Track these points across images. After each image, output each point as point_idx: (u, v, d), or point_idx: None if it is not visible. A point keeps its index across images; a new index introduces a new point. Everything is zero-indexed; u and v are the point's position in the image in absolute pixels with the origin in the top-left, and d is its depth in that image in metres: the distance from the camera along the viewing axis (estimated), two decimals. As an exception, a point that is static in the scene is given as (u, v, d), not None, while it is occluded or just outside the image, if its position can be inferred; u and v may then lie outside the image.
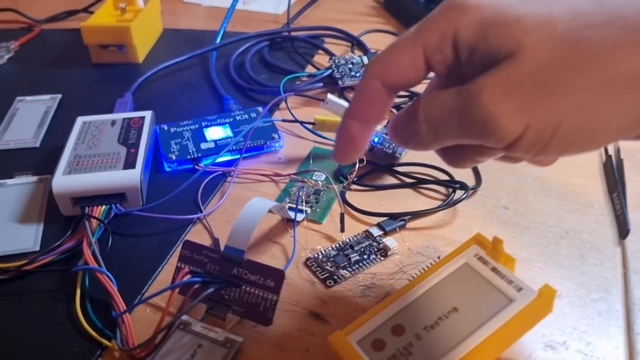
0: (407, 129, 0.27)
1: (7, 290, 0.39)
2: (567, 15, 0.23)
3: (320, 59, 0.69)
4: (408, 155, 0.51)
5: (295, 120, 0.52)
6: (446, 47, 0.25)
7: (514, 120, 0.23)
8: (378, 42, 0.71)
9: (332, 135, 0.52)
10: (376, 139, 0.50)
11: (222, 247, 0.36)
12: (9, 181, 0.48)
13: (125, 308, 0.35)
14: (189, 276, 0.34)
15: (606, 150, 0.53)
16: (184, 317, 0.36)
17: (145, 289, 0.38)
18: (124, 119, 0.51)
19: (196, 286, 0.33)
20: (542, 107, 0.23)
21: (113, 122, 0.50)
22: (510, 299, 0.33)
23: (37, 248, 0.42)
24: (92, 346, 0.35)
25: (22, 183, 0.48)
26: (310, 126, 0.51)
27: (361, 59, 0.62)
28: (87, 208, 0.42)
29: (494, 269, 0.34)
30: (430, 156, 0.51)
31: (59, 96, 0.60)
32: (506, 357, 0.34)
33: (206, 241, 0.43)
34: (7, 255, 0.41)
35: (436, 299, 0.34)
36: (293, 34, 0.72)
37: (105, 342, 0.35)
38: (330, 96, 0.50)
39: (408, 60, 0.26)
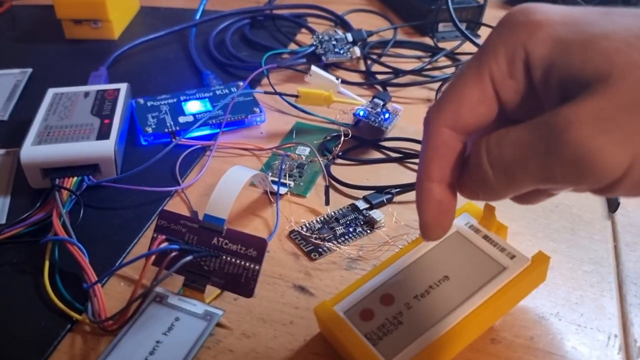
0: (471, 179, 0.23)
1: (-29, 264, 0.36)
2: None
3: (304, 37, 0.67)
4: (394, 129, 0.50)
5: (277, 93, 0.50)
6: (517, 71, 0.22)
7: (616, 156, 0.19)
8: (362, 22, 0.70)
9: (315, 110, 0.50)
10: (361, 113, 0.48)
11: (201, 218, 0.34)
12: (-25, 154, 0.45)
13: (96, 279, 0.33)
14: (165, 244, 0.32)
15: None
16: (161, 290, 0.34)
17: (119, 262, 0.36)
18: (98, 90, 0.48)
19: (172, 255, 0.31)
20: None
21: (86, 94, 0.48)
22: (503, 266, 0.31)
23: (3, 221, 0.39)
24: (61, 320, 0.33)
25: (-11, 156, 0.45)
26: (293, 100, 0.49)
27: (345, 35, 0.60)
28: (57, 180, 0.40)
29: (485, 237, 0.33)
30: (415, 132, 0.50)
31: (30, 70, 0.58)
32: (499, 327, 0.33)
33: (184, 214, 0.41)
34: (-29, 228, 0.38)
35: (426, 268, 0.32)
36: (275, 12, 0.70)
37: (76, 315, 0.32)
38: (314, 68, 0.49)
39: (477, 94, 0.23)
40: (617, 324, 0.34)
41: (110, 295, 0.34)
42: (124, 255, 0.37)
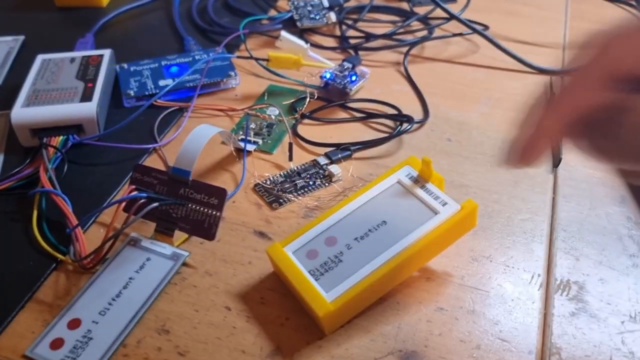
0: (621, 140, 0.24)
1: (-32, 213, 0.41)
2: None
3: (284, 4, 0.69)
4: (362, 91, 0.53)
5: (250, 57, 0.53)
6: None
7: None
8: (341, -12, 0.72)
9: (286, 72, 0.54)
10: (328, 75, 0.51)
11: (169, 169, 0.38)
12: (-29, 115, 0.49)
13: (77, 223, 0.37)
14: (135, 193, 0.36)
15: (551, 87, 0.55)
16: (134, 234, 0.38)
17: (95, 210, 0.41)
18: (83, 56, 0.52)
19: (141, 202, 0.35)
20: None
21: (72, 60, 0.51)
22: (435, 212, 0.35)
23: (-3, 176, 0.43)
24: (47, 260, 0.37)
25: (-16, 117, 0.49)
26: (265, 63, 0.53)
27: (321, 1, 0.63)
28: (45, 138, 0.44)
29: (423, 187, 0.37)
30: (381, 94, 0.53)
31: (22, 37, 0.61)
32: (435, 267, 0.37)
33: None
34: (-32, 181, 0.42)
35: (367, 214, 0.36)
36: (257, -22, 0.72)
37: (60, 256, 0.37)
38: (284, 33, 0.52)
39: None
40: (542, 265, 0.38)
41: (91, 240, 0.38)
42: (104, 205, 0.41)
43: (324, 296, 0.32)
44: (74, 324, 0.33)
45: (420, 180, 0.37)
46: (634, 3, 0.70)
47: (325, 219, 0.36)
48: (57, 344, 0.32)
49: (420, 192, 0.37)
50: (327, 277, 0.33)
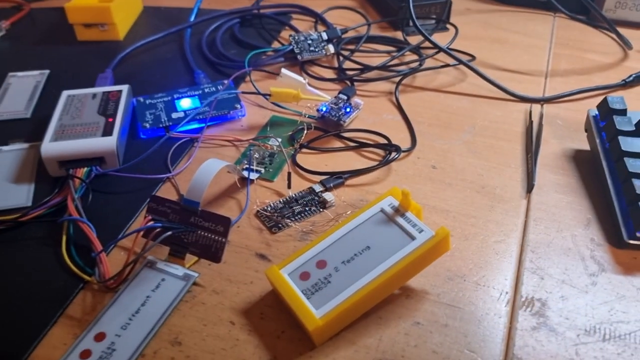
0: None
1: (5, 239, 0.46)
2: None
3: (287, 34, 0.75)
4: (356, 120, 0.58)
5: (254, 92, 0.59)
6: None
7: None
8: (341, 18, 0.78)
9: (287, 105, 0.59)
10: (324, 109, 0.57)
11: (181, 200, 0.43)
12: (4, 148, 0.55)
13: (102, 249, 0.43)
14: (151, 222, 0.41)
15: (530, 115, 0.60)
16: (151, 257, 0.43)
17: (120, 236, 0.46)
18: (104, 92, 0.58)
19: (157, 230, 0.41)
20: None
21: (94, 95, 0.57)
22: (412, 237, 0.40)
23: (30, 204, 0.49)
24: (76, 281, 0.42)
25: (16, 149, 0.55)
26: (268, 97, 0.58)
27: (320, 35, 0.68)
28: (71, 170, 0.49)
29: (402, 215, 0.42)
30: (373, 124, 0.58)
31: (47, 72, 0.67)
32: (414, 285, 0.42)
33: (174, 197, 0.50)
34: (4, 210, 0.48)
35: (354, 239, 0.41)
36: (262, 11, 0.78)
37: (86, 277, 0.42)
38: (284, 70, 0.57)
39: None
40: (510, 283, 0.43)
41: (113, 262, 0.44)
42: (124, 231, 0.47)
43: (314, 313, 0.37)
44: (100, 337, 0.39)
45: (400, 210, 0.42)
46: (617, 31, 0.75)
47: (317, 244, 0.41)
48: (85, 354, 0.38)
49: (400, 220, 0.42)
50: (317, 295, 0.38)
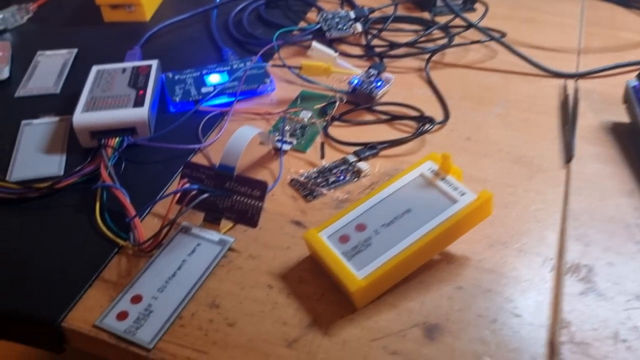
0: None
1: (40, 206, 0.46)
2: None
3: (313, 15, 0.74)
4: (386, 95, 0.58)
5: (284, 66, 0.58)
6: None
7: None
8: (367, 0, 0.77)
9: (317, 79, 0.58)
10: (355, 81, 0.56)
11: (216, 164, 0.42)
12: (35, 121, 0.55)
13: (135, 213, 0.42)
14: (187, 185, 0.40)
15: (565, 89, 0.59)
16: (186, 223, 0.43)
17: (155, 198, 0.45)
18: (134, 67, 0.57)
19: (192, 193, 0.40)
20: None
21: (124, 70, 0.57)
22: (453, 200, 0.39)
23: (62, 173, 0.49)
24: (110, 245, 0.42)
25: (47, 122, 0.55)
26: (297, 71, 0.58)
27: (347, 13, 0.67)
28: (103, 140, 0.49)
29: (442, 179, 0.41)
30: (404, 98, 0.57)
31: (75, 50, 0.67)
32: (454, 252, 0.41)
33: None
34: (36, 179, 0.48)
35: (393, 203, 0.40)
36: (288, -8, 0.77)
37: (121, 241, 0.42)
38: (315, 43, 0.56)
39: None
40: (553, 250, 0.41)
41: (147, 228, 0.43)
42: (156, 199, 0.46)
43: (355, 274, 0.36)
44: (136, 299, 0.38)
45: (440, 174, 0.41)
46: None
47: (356, 208, 0.41)
48: (122, 316, 0.37)
49: (440, 183, 0.41)
50: (358, 258, 0.38)
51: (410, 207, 0.40)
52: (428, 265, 0.40)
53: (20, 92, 0.60)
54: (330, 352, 0.35)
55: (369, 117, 0.55)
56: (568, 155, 0.49)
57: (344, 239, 0.39)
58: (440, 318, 0.37)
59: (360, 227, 0.39)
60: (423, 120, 0.53)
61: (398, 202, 0.40)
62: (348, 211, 0.40)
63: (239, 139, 0.43)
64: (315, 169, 0.48)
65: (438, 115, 0.55)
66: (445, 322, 0.36)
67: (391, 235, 0.38)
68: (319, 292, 0.38)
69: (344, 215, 0.40)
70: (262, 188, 0.41)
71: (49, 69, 0.63)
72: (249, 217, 0.41)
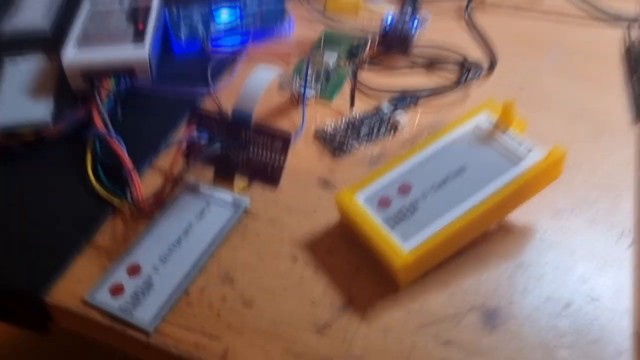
0: None
1: (24, 159, 0.39)
2: None
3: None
4: (422, 39, 0.50)
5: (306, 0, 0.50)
6: None
7: None
8: None
9: (343, 18, 0.51)
10: (389, 20, 0.48)
11: (230, 112, 0.35)
12: (20, 60, 0.48)
13: (133, 166, 0.35)
14: (195, 134, 0.34)
15: (629, 35, 0.51)
16: (192, 180, 0.36)
17: (153, 156, 0.39)
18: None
19: (202, 143, 0.33)
20: None
21: (121, 1, 0.49)
22: (518, 159, 0.32)
23: (49, 119, 0.42)
24: (103, 205, 0.36)
25: (33, 61, 0.47)
26: (323, 7, 0.50)
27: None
28: (96, 82, 0.42)
29: (503, 131, 0.34)
30: (444, 42, 0.50)
31: (67, -18, 0.59)
32: (514, 220, 0.34)
33: (215, 116, 0.42)
34: (21, 125, 0.41)
35: (443, 160, 0.33)
36: None
37: (116, 201, 0.35)
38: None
39: None
40: (631, 221, 0.35)
41: (147, 185, 0.37)
42: (158, 150, 0.39)
43: (400, 246, 0.30)
44: (134, 270, 0.32)
45: (500, 126, 0.34)
46: None
47: (397, 165, 0.34)
48: (117, 290, 0.31)
49: (501, 138, 0.34)
50: (402, 226, 0.31)
51: (464, 166, 0.33)
52: (482, 236, 0.33)
53: (5, 27, 0.53)
54: (369, 340, 0.29)
55: (403, 61, 0.48)
56: (639, 111, 0.42)
57: (384, 202, 0.32)
58: (501, 300, 0.30)
59: (405, 189, 0.33)
60: (468, 66, 0.46)
61: (450, 160, 0.33)
62: (388, 169, 0.34)
63: (258, 79, 0.36)
64: (344, 120, 0.41)
65: (482, 59, 0.47)
66: (508, 306, 0.30)
67: (442, 200, 0.31)
68: (354, 266, 0.32)
69: (384, 173, 0.33)
70: (285, 139, 0.34)
71: (37, 1, 0.56)
72: (268, 174, 0.34)
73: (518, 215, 0.34)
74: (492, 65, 0.47)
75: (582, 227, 0.34)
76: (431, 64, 0.47)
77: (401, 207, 0.32)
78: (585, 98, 0.44)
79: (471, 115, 0.35)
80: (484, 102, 0.36)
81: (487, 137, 0.34)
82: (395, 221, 0.31)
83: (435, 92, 0.44)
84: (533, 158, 0.32)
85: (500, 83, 0.45)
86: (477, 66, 0.45)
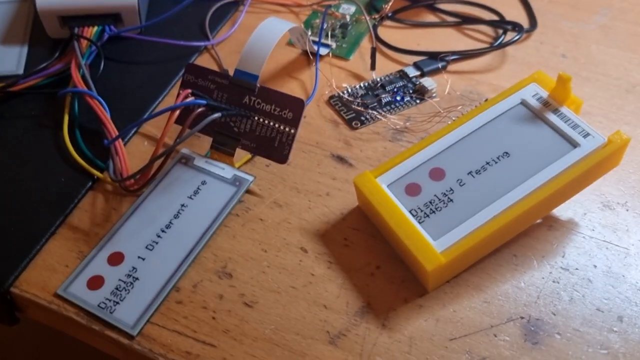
0: None
1: (-13, 116, 0.34)
2: None
3: None
4: (452, -9, 0.44)
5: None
6: None
7: None
8: None
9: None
10: (417, -32, 0.42)
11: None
12: (-11, -1, 0.41)
13: (118, 134, 0.30)
14: (191, 98, 0.28)
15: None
16: (187, 151, 0.31)
17: (144, 116, 0.33)
18: None
19: (199, 111, 0.28)
20: None
21: None
22: (573, 144, 0.27)
23: (21, 71, 0.36)
24: (82, 177, 0.31)
25: (4, 3, 0.41)
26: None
27: None
28: (77, 28, 0.36)
29: (556, 111, 0.29)
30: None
31: None
32: (559, 213, 0.30)
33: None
34: (-13, 77, 0.35)
35: (484, 142, 0.28)
36: None
37: (97, 173, 0.30)
38: None
39: None
40: (693, 217, 0.30)
41: (133, 155, 0.32)
42: (147, 112, 0.34)
43: (433, 245, 0.25)
44: (116, 258, 0.27)
45: (552, 103, 0.29)
46: None
47: (428, 145, 0.29)
48: (95, 282, 0.26)
49: (552, 117, 0.28)
50: (434, 220, 0.26)
51: (509, 150, 0.28)
52: (524, 230, 0.28)
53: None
54: (391, 354, 0.24)
55: (431, 17, 0.42)
56: (701, 85, 0.37)
57: (413, 189, 0.27)
58: (544, 310, 0.26)
59: (437, 174, 0.28)
60: (505, 26, 0.40)
61: (492, 141, 0.28)
62: (418, 149, 0.28)
63: (265, 35, 0.30)
64: (362, 84, 0.36)
65: (521, 19, 0.42)
66: (552, 317, 0.26)
67: (482, 189, 0.27)
68: (373, 263, 0.27)
69: (412, 155, 0.28)
70: (297, 108, 0.29)
71: None
72: (275, 148, 0.29)
73: (562, 207, 0.30)
74: (531, 27, 0.41)
75: (636, 224, 0.29)
76: (462, 22, 0.41)
77: (433, 197, 0.27)
78: (635, 69, 0.39)
79: (516, 88, 0.30)
80: (532, 73, 0.30)
81: (535, 117, 0.29)
82: (425, 213, 0.26)
83: (467, 54, 0.38)
84: (591, 145, 0.27)
85: (540, 48, 0.40)
86: (517, 26, 0.39)
